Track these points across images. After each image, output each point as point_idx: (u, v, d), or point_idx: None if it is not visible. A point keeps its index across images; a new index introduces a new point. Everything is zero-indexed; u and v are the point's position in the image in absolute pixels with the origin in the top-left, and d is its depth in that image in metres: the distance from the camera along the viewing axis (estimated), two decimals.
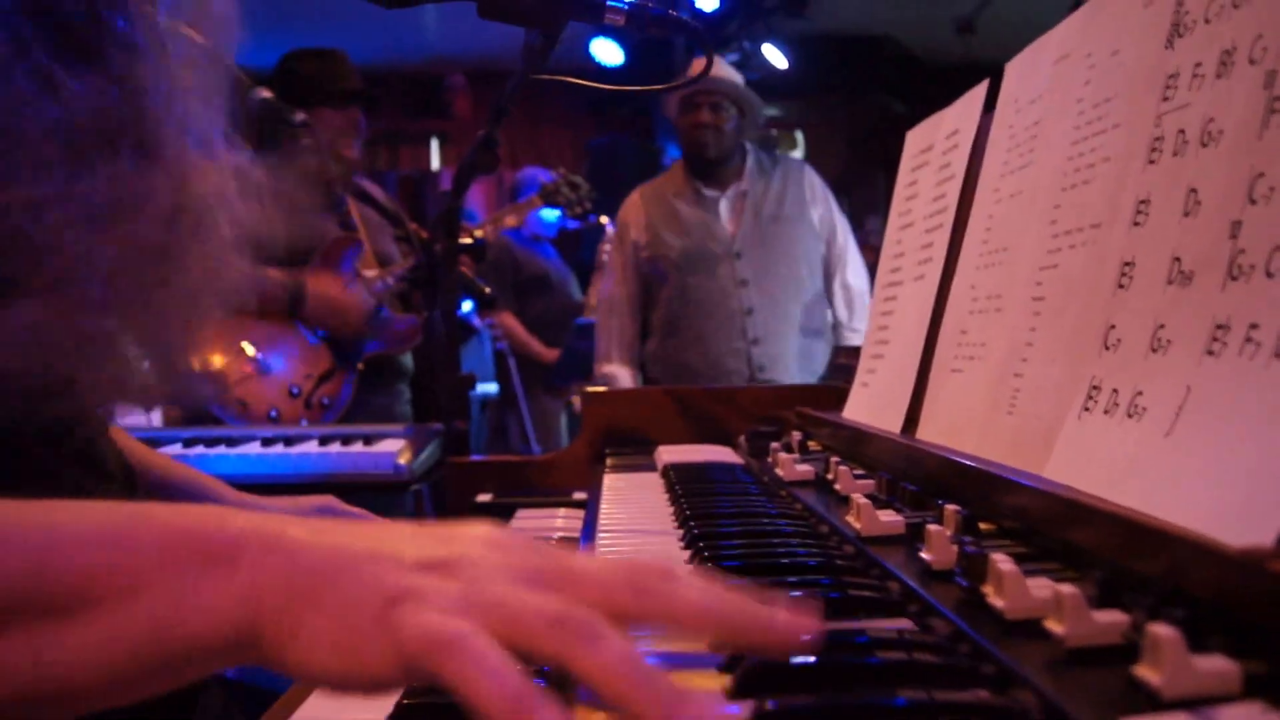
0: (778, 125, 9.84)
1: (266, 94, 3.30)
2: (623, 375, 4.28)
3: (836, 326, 4.31)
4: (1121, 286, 0.83)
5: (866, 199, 10.24)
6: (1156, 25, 0.85)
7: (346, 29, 8.54)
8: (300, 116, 3.20)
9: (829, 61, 9.03)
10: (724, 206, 4.21)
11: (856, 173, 10.23)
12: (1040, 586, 0.66)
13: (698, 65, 4.32)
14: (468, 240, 1.94)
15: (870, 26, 9.28)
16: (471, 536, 0.61)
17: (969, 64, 9.10)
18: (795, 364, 4.15)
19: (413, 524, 0.62)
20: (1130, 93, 0.88)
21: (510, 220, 4.43)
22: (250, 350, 3.47)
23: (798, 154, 10.03)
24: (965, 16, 8.92)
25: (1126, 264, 0.83)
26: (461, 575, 0.57)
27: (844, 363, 1.79)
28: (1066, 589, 0.60)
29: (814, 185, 4.36)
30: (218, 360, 3.44)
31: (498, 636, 0.54)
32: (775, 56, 7.77)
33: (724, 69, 4.25)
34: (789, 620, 0.58)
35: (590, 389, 1.94)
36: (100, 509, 0.60)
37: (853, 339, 4.23)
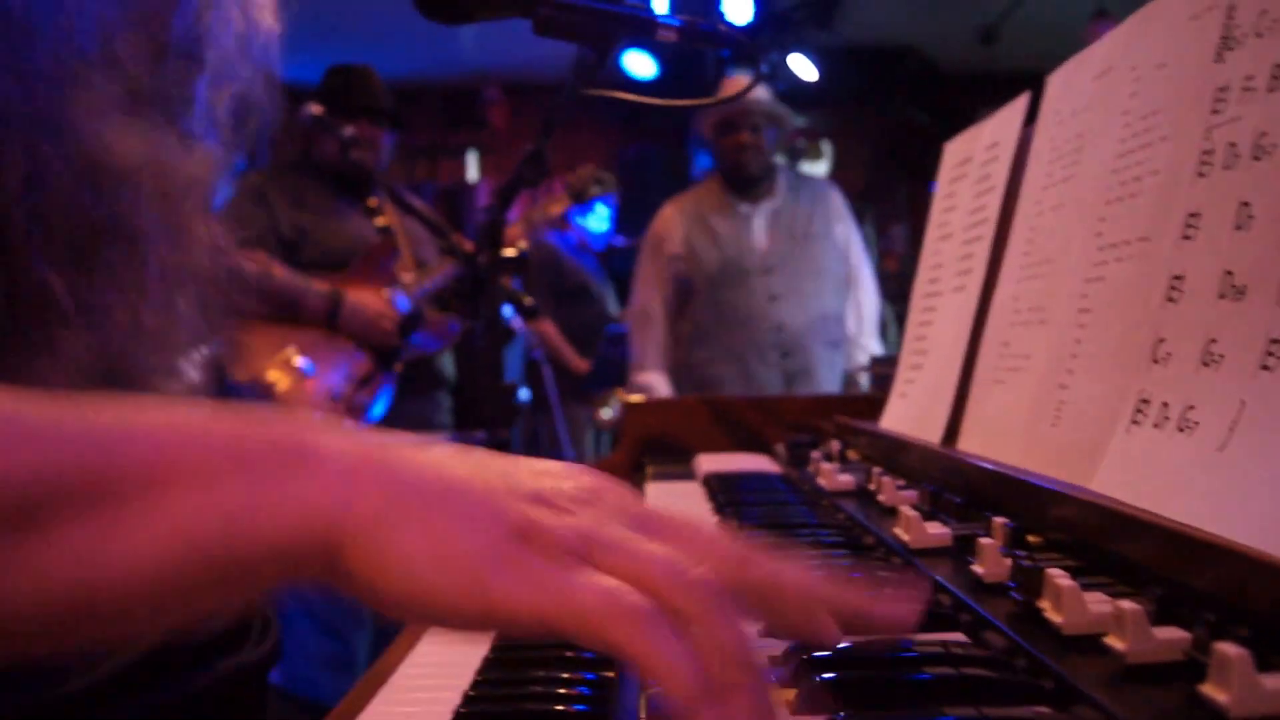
0: (805, 135, 9.86)
1: (317, 109, 3.35)
2: (660, 383, 4.40)
3: (847, 342, 4.49)
4: (1171, 300, 0.83)
5: (891, 208, 10.25)
6: (1205, 39, 0.85)
7: (385, 43, 8.60)
8: (349, 131, 3.24)
9: (854, 72, 9.04)
10: (758, 223, 4.39)
11: (881, 182, 10.24)
12: (1097, 601, 0.66)
13: (730, 84, 4.48)
14: (511, 252, 1.96)
15: (895, 38, 9.28)
16: (579, 473, 0.59)
17: (991, 74, 9.10)
18: (821, 375, 4.32)
19: (505, 456, 0.59)
20: (1178, 106, 0.89)
21: (541, 216, 4.47)
22: (294, 356, 3.52)
23: (825, 163, 10.04)
24: (988, 26, 8.91)
25: (1176, 277, 0.83)
26: (580, 511, 0.55)
27: (880, 372, 1.79)
28: (1127, 604, 0.60)
29: (838, 204, 4.53)
30: (269, 373, 3.50)
31: (618, 578, 0.52)
32: (804, 67, 7.78)
33: (759, 89, 4.40)
34: (894, 601, 0.60)
35: (629, 398, 1.95)
36: (173, 406, 0.55)
37: (859, 355, 4.42)
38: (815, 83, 7.93)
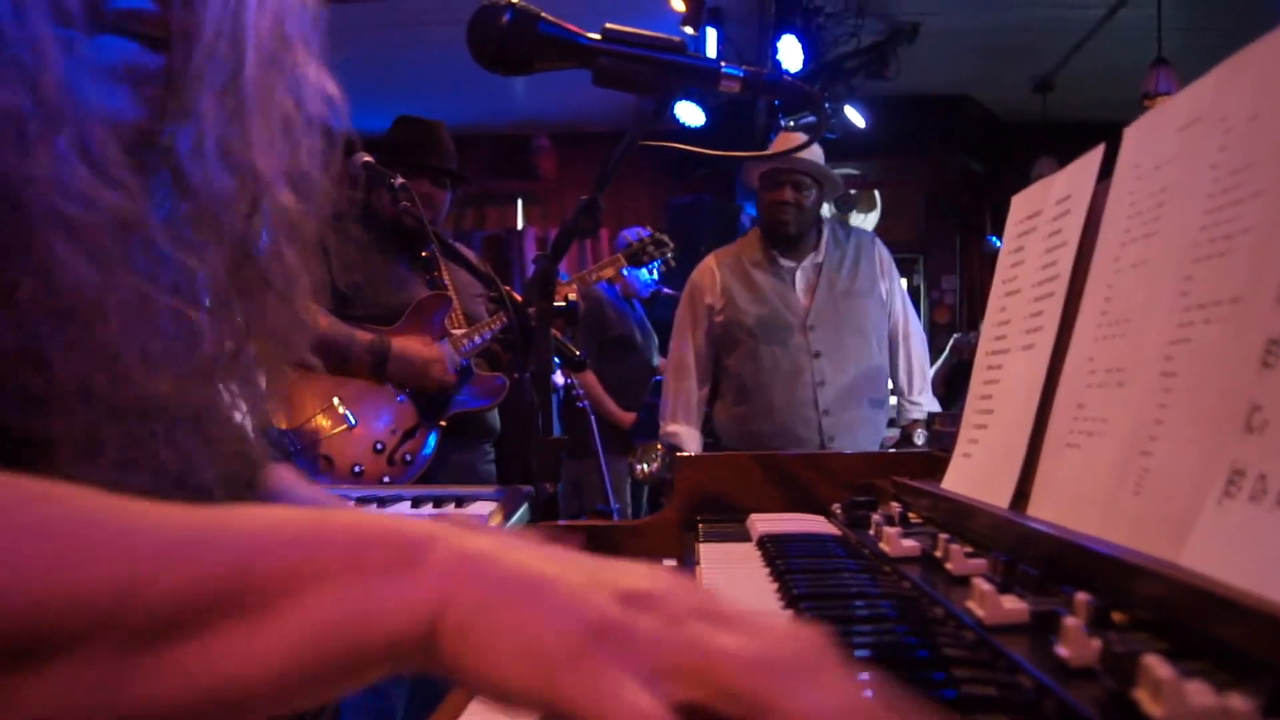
0: (857, 185, 9.85)
1: (367, 158, 3.36)
2: (688, 436, 4.39)
3: (898, 398, 4.51)
4: (1267, 365, 0.78)
5: (943, 258, 10.21)
6: None
7: (434, 92, 8.71)
8: (398, 181, 3.25)
9: (908, 121, 9.05)
10: (800, 278, 4.38)
11: (934, 231, 10.21)
12: (1199, 692, 0.61)
13: (783, 139, 4.47)
14: (561, 303, 1.93)
15: (949, 87, 9.27)
16: (653, 572, 0.61)
17: (1046, 122, 9.09)
18: (862, 434, 4.29)
19: (589, 556, 0.62)
20: (1273, 160, 0.84)
21: (595, 277, 4.49)
22: (339, 406, 3.52)
23: (875, 214, 10.00)
24: (1043, 75, 8.88)
25: (1273, 341, 0.78)
26: (656, 610, 0.57)
27: (940, 429, 1.74)
28: (1236, 699, 0.56)
29: (883, 258, 4.50)
30: (314, 422, 3.50)
31: (696, 678, 0.55)
32: (854, 116, 7.79)
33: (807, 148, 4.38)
34: None
35: (682, 454, 1.91)
36: (289, 512, 0.61)
37: (913, 411, 4.38)
38: (868, 131, 7.94)
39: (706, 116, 7.49)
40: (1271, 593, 0.68)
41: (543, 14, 1.31)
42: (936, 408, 4.66)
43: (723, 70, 1.27)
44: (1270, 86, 0.87)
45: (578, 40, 1.32)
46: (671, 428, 4.38)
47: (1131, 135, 1.15)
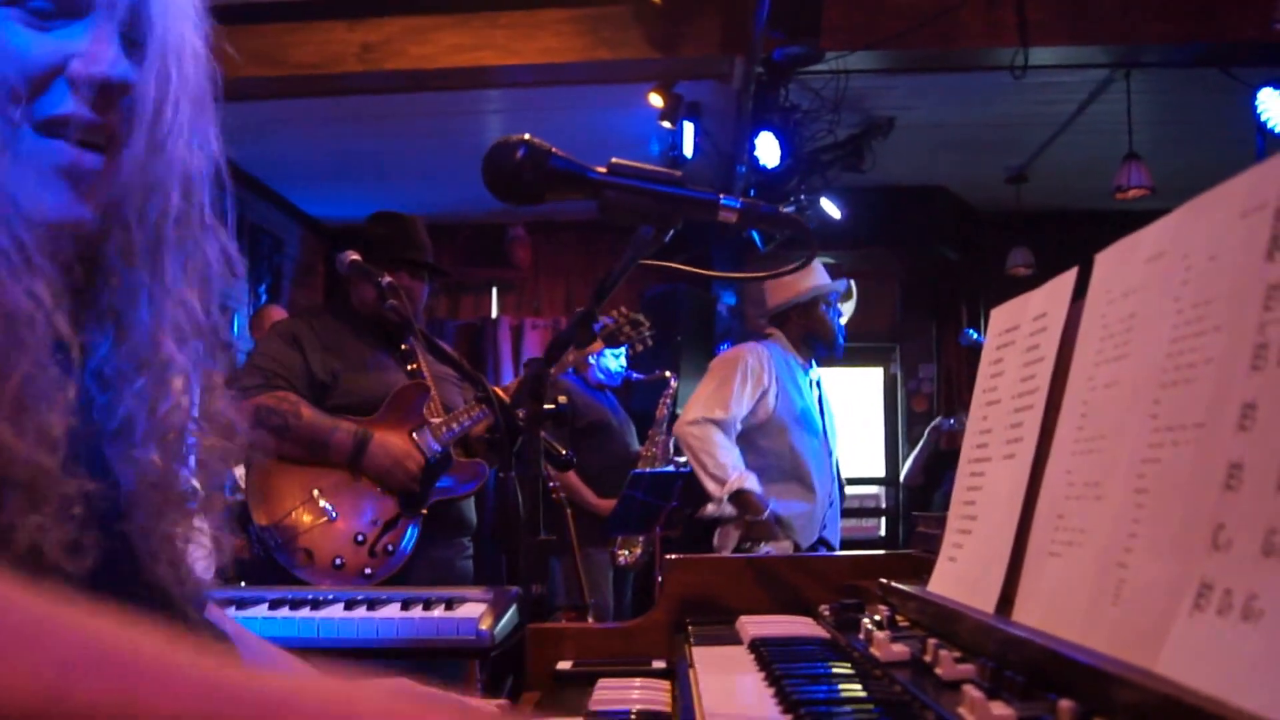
0: (832, 275, 9.93)
1: (355, 257, 3.45)
2: (754, 481, 4.54)
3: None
4: (1230, 488, 0.84)
5: (920, 347, 10.31)
6: (1255, 237, 0.88)
7: (414, 182, 8.80)
8: (386, 280, 3.33)
9: (883, 212, 9.19)
10: (813, 387, 4.78)
11: (910, 321, 10.31)
12: None
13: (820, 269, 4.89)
14: (551, 406, 1.99)
15: (924, 178, 9.43)
16: None
17: (1020, 212, 9.25)
18: (836, 529, 4.87)
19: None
20: (1230, 298, 0.91)
21: (570, 360, 4.55)
22: (320, 499, 3.54)
23: (851, 304, 10.11)
24: (1017, 167, 9.06)
25: (1234, 466, 0.84)
26: None
27: (924, 531, 1.80)
28: None
29: None
30: (293, 516, 3.52)
31: None
32: (829, 208, 7.91)
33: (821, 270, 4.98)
34: None
35: (671, 556, 1.95)
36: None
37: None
38: (844, 222, 8.06)
39: None
40: (1241, 701, 0.74)
41: (553, 150, 1.41)
42: None
43: (721, 202, 1.35)
44: (1228, 230, 0.94)
45: (586, 174, 1.41)
46: (742, 481, 4.49)
47: (1102, 262, 1.22)
